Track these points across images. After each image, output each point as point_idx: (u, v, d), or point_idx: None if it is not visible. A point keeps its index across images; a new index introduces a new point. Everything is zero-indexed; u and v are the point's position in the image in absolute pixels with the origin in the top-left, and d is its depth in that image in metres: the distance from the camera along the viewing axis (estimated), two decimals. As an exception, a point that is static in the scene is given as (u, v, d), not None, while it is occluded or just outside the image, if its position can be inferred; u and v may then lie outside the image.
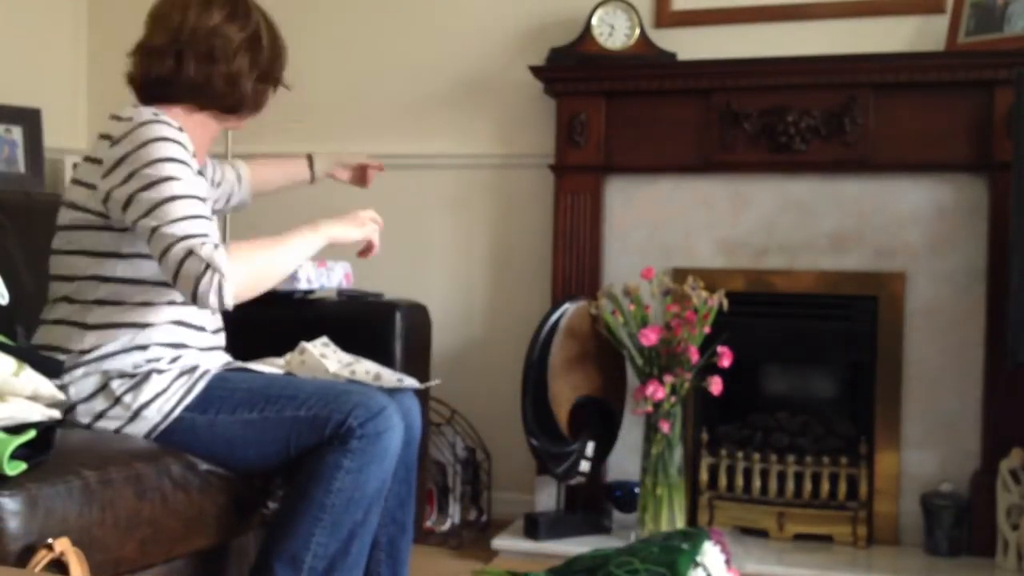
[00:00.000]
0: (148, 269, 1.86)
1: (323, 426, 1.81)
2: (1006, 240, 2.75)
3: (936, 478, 2.99)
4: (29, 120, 3.41)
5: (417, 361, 2.76)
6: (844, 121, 3.01)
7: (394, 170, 3.54)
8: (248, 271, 1.74)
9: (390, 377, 2.02)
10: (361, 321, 2.69)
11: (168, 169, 1.77)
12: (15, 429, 1.53)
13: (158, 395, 1.84)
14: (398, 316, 2.64)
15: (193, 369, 1.89)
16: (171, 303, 1.91)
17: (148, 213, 1.74)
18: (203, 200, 1.80)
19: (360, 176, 2.50)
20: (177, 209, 1.73)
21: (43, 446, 1.56)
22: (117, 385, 1.83)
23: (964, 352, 2.99)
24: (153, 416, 1.83)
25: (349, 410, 1.81)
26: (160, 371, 1.86)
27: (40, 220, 2.38)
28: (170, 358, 1.88)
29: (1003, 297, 2.78)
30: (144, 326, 1.87)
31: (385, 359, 2.60)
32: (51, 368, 1.68)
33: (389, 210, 3.53)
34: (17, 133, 3.38)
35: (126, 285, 1.87)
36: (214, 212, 2.11)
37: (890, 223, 3.04)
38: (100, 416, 1.83)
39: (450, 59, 3.48)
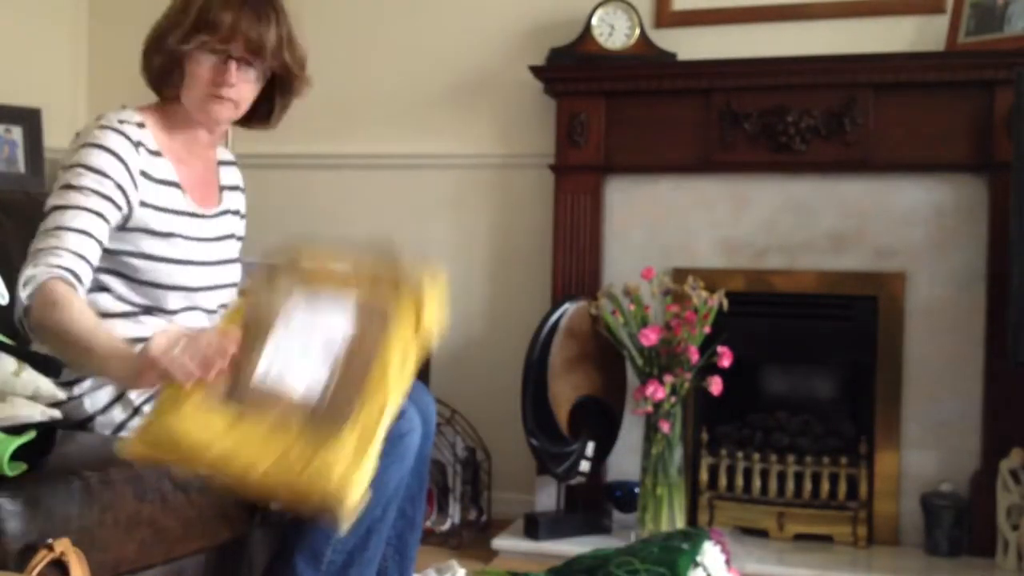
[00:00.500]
0: (146, 271, 1.85)
1: None
2: (1006, 240, 2.75)
3: (936, 478, 2.99)
4: (29, 120, 3.41)
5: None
6: (844, 121, 3.01)
7: (394, 170, 3.55)
8: (44, 314, 1.65)
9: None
10: (361, 321, 2.69)
11: (77, 177, 1.78)
12: (16, 430, 1.53)
13: (121, 395, 1.82)
14: (398, 316, 2.63)
15: None
16: (170, 312, 1.89)
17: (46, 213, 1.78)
18: (95, 213, 1.77)
19: None
20: (52, 219, 1.76)
21: (43, 447, 1.56)
22: (136, 396, 1.82)
23: (964, 352, 2.99)
24: (119, 414, 1.81)
25: None
26: None
27: (40, 220, 2.38)
28: None
29: (1003, 297, 2.78)
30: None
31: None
32: (52, 368, 1.68)
33: (389, 210, 3.56)
34: (17, 133, 3.38)
35: (126, 286, 1.86)
36: None
37: (890, 223, 3.04)
38: (121, 427, 1.82)
39: (450, 59, 3.48)
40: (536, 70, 3.22)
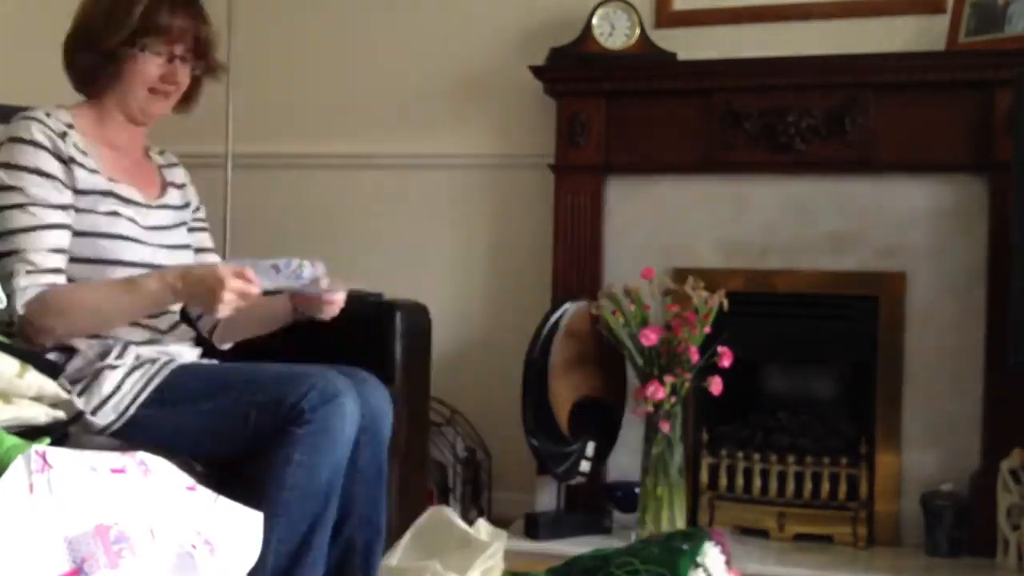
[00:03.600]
0: (92, 247, 1.92)
1: (277, 409, 1.78)
2: (1006, 240, 2.75)
3: (936, 478, 2.99)
4: (29, 120, 3.40)
5: (417, 361, 2.75)
6: (844, 121, 3.01)
7: (394, 170, 3.55)
8: (56, 321, 1.81)
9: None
10: (361, 321, 2.68)
11: (8, 177, 1.85)
12: (29, 434, 1.53)
13: (112, 394, 1.82)
14: (398, 316, 2.63)
15: (147, 362, 1.88)
16: None
17: None
18: (49, 206, 1.86)
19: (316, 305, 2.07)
20: (11, 221, 1.83)
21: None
22: (127, 389, 1.84)
23: (964, 352, 2.98)
24: (108, 415, 1.81)
25: (304, 393, 1.77)
26: (113, 367, 1.85)
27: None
28: (117, 353, 1.87)
29: (1003, 298, 2.78)
30: None
31: (385, 359, 2.60)
32: (53, 370, 1.68)
33: (389, 210, 3.56)
34: (17, 133, 3.38)
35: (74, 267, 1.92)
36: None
37: (890, 223, 3.04)
38: (121, 415, 1.82)
39: (450, 59, 3.48)
40: (536, 70, 3.21)
